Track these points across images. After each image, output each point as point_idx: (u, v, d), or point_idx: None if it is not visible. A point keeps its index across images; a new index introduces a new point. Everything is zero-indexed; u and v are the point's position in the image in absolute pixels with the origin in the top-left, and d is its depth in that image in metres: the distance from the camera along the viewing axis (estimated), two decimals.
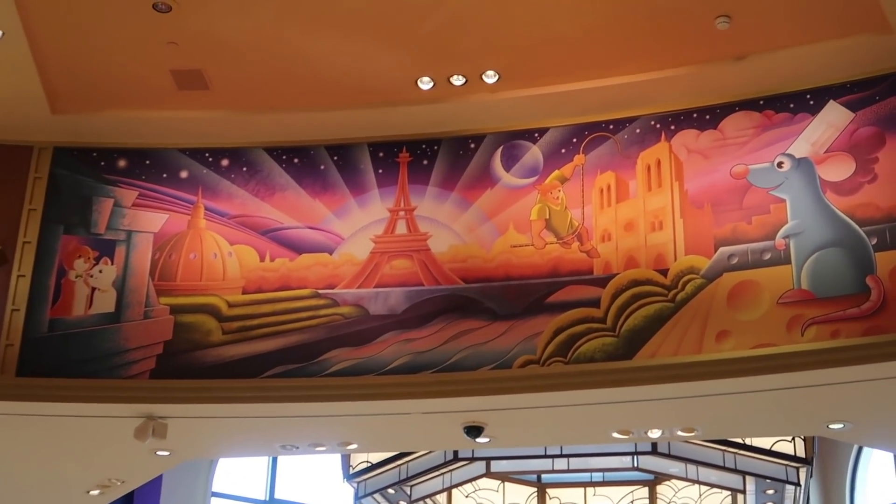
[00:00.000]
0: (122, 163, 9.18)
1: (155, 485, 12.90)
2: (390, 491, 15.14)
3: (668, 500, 15.86)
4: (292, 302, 8.65)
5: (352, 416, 8.66)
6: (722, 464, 14.04)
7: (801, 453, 13.92)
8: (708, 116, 8.41)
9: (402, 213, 8.83)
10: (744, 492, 14.77)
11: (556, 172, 8.67)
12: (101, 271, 8.80)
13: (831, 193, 7.85)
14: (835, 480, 14.17)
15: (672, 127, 8.48)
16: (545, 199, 8.62)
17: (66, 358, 8.51)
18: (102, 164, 9.16)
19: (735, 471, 14.02)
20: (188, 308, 8.69)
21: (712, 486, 14.96)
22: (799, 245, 7.80)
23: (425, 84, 8.60)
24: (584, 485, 15.85)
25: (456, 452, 14.08)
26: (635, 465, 14.13)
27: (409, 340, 8.35)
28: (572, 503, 16.00)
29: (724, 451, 13.99)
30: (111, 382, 8.42)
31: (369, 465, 14.97)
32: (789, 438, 13.87)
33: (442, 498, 15.93)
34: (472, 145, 8.90)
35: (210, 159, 9.16)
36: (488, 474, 14.88)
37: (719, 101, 8.39)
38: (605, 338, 8.00)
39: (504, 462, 14.52)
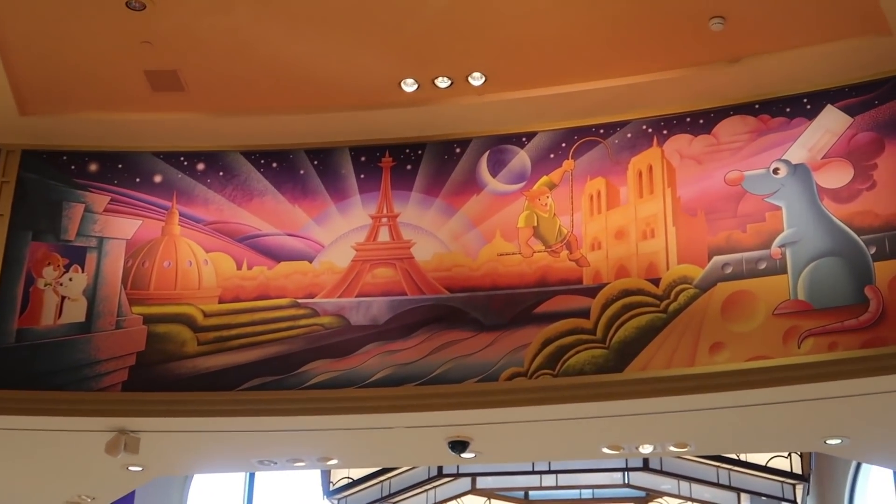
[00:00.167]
0: (93, 167, 9.14)
1: (127, 502, 12.85)
2: None
3: None
4: (270, 312, 8.63)
5: (332, 431, 8.64)
6: (716, 480, 14.10)
7: (797, 470, 13.98)
8: (701, 121, 8.42)
9: (384, 220, 8.81)
10: None
11: (544, 178, 8.66)
12: (71, 279, 8.76)
13: (829, 201, 7.86)
14: (832, 498, 14.22)
15: (664, 131, 8.49)
16: (533, 205, 8.61)
17: (34, 369, 8.45)
18: (73, 167, 9.12)
19: (729, 488, 14.08)
20: (162, 318, 8.65)
21: (706, 503, 14.98)
22: (795, 254, 7.80)
23: (409, 86, 8.60)
24: (573, 502, 15.87)
25: (440, 468, 14.10)
26: (626, 481, 14.17)
27: (392, 352, 8.32)
28: None
29: (718, 467, 14.05)
30: (81, 395, 8.36)
31: (350, 481, 14.98)
32: (786, 454, 13.93)
33: None
34: (458, 150, 8.90)
35: (185, 163, 9.13)
36: (474, 491, 14.91)
37: (713, 104, 8.41)
38: (595, 350, 7.99)
39: (490, 478, 14.55)
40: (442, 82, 8.55)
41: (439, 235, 8.68)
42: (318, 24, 8.05)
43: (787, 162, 8.07)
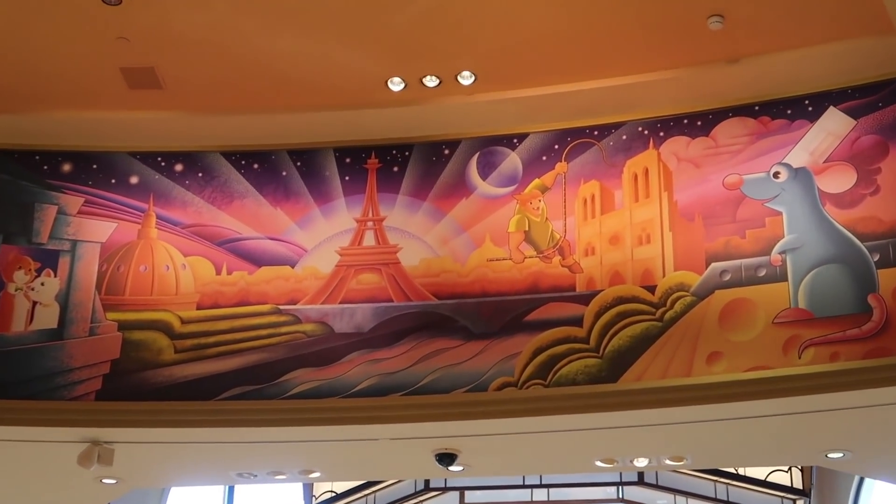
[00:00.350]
0: (66, 167, 9.12)
1: None
2: None
3: None
4: (251, 318, 8.61)
5: (315, 442, 8.63)
6: (713, 495, 14.12)
7: (798, 484, 14.00)
8: (699, 122, 8.43)
9: (370, 224, 8.81)
10: None
11: (536, 181, 8.67)
12: (43, 284, 8.74)
13: (831, 206, 7.87)
14: None
15: (661, 133, 8.50)
16: (524, 209, 8.61)
17: (3, 378, 8.42)
18: (45, 168, 9.11)
19: (727, 503, 14.08)
20: (138, 324, 8.64)
21: None
22: (796, 261, 7.81)
23: (396, 85, 8.60)
24: None
25: (427, 482, 14.10)
26: (620, 496, 14.18)
27: (377, 361, 8.31)
28: None
29: (716, 481, 14.07)
30: (53, 404, 8.34)
31: (334, 494, 14.98)
32: (786, 468, 13.94)
33: None
34: (447, 151, 8.90)
35: (163, 164, 9.12)
36: None
37: (711, 106, 8.43)
38: (588, 359, 7.99)
39: (479, 492, 14.56)
40: (430, 81, 8.55)
41: (427, 240, 8.68)
42: (301, 20, 8.04)
43: (787, 165, 8.08)
